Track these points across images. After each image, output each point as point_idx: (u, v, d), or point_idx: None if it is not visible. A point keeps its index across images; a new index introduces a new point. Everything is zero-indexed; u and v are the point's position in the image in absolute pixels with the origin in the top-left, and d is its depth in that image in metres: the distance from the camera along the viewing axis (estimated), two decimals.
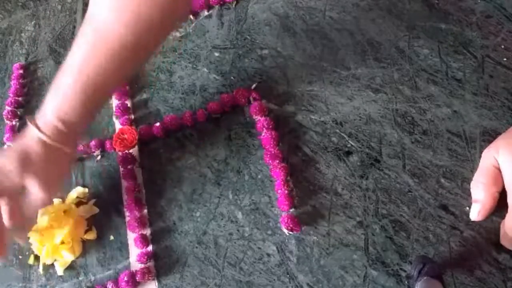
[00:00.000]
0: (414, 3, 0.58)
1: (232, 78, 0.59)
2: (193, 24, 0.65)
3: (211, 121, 0.56)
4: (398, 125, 0.51)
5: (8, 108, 0.63)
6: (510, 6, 0.55)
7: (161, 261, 0.50)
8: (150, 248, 0.51)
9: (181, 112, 0.57)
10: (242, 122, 0.55)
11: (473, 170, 0.46)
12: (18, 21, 0.74)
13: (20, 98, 0.65)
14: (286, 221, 0.47)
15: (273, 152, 0.51)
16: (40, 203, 0.46)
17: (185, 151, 0.55)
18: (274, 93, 0.56)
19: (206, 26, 0.64)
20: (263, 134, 0.53)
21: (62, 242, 0.52)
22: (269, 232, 0.48)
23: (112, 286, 0.49)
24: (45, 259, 0.52)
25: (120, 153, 0.56)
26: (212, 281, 0.47)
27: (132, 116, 0.59)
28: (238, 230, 0.49)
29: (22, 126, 0.62)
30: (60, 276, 0.51)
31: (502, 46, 0.53)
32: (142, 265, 0.49)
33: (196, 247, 0.49)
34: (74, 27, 0.71)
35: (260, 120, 0.54)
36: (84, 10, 0.71)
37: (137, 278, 0.48)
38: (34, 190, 0.45)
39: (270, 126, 0.53)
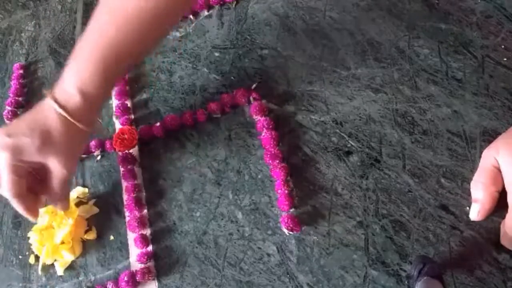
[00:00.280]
0: (414, 3, 0.58)
1: (232, 78, 0.59)
2: (193, 24, 0.65)
3: (211, 121, 0.56)
4: (398, 125, 0.51)
5: (8, 108, 0.63)
6: (510, 6, 0.55)
7: (161, 261, 0.50)
8: (150, 248, 0.51)
9: (181, 112, 0.57)
10: (242, 122, 0.55)
11: (473, 170, 0.46)
12: (18, 21, 0.74)
13: (20, 98, 0.65)
14: (286, 221, 0.47)
15: (273, 152, 0.51)
16: (62, 180, 0.46)
17: (185, 151, 0.55)
18: (274, 93, 0.56)
19: (206, 26, 0.64)
20: (263, 134, 0.53)
21: (62, 242, 0.52)
22: (269, 232, 0.48)
23: (112, 286, 0.49)
24: (45, 259, 0.52)
25: (120, 153, 0.56)
26: (212, 281, 0.47)
27: (132, 116, 0.59)
28: (238, 230, 0.49)
29: None
30: (60, 276, 0.51)
31: (502, 46, 0.53)
32: (142, 265, 0.49)
33: (196, 247, 0.49)
34: (74, 27, 0.71)
35: (260, 120, 0.54)
36: (84, 10, 0.72)
37: (137, 278, 0.48)
38: (55, 167, 0.46)
39: (270, 126, 0.53)
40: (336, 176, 0.49)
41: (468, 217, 0.44)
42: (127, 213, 0.53)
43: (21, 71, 0.67)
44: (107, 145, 0.57)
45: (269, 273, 0.46)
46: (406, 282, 0.43)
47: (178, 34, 0.64)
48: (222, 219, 0.50)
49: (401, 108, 0.51)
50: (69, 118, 0.45)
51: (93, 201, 0.55)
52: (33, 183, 0.47)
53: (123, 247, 0.52)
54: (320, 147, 0.51)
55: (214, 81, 0.59)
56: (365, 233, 0.46)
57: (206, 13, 0.65)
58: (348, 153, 0.50)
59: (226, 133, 0.55)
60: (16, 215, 0.56)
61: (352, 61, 0.56)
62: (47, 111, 0.46)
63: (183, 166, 0.54)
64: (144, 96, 0.61)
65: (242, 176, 0.52)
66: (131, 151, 0.56)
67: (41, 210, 0.54)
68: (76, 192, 0.55)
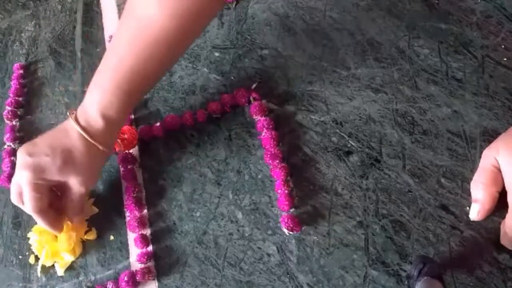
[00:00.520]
0: (414, 3, 0.58)
1: (232, 78, 0.59)
2: None
3: (211, 121, 0.56)
4: (398, 125, 0.51)
5: (8, 108, 0.63)
6: (510, 6, 0.55)
7: (161, 261, 0.50)
8: (150, 248, 0.51)
9: (181, 112, 0.57)
10: (242, 122, 0.55)
11: (473, 170, 0.46)
12: (18, 21, 0.74)
13: (20, 98, 0.65)
14: (286, 221, 0.47)
15: (273, 152, 0.51)
16: (80, 197, 0.48)
17: (185, 151, 0.55)
18: (274, 93, 0.56)
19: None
20: (263, 134, 0.53)
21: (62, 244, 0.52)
22: (269, 232, 0.48)
23: (112, 286, 0.49)
24: (44, 261, 0.52)
25: (120, 153, 0.56)
26: (212, 281, 0.47)
27: (132, 116, 0.59)
28: (238, 230, 0.49)
29: (22, 126, 0.62)
30: (60, 276, 0.51)
31: (502, 46, 0.53)
32: (142, 265, 0.49)
33: (196, 247, 0.49)
34: (74, 27, 0.71)
35: (260, 120, 0.54)
36: (84, 10, 0.72)
37: (137, 278, 0.48)
38: (75, 186, 0.47)
39: (270, 126, 0.53)
40: (336, 176, 0.49)
41: (468, 217, 0.44)
42: (127, 213, 0.53)
43: (21, 71, 0.67)
44: None
45: (269, 273, 0.46)
46: (406, 282, 0.43)
47: None
48: (222, 219, 0.50)
49: (401, 108, 0.51)
50: (90, 140, 0.47)
51: (92, 201, 0.55)
52: (54, 199, 0.49)
53: (123, 247, 0.52)
54: (320, 147, 0.51)
55: (214, 81, 0.59)
56: (365, 233, 0.46)
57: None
58: (348, 153, 0.50)
59: (226, 133, 0.55)
60: (16, 215, 0.56)
61: (352, 61, 0.56)
62: (69, 131, 0.47)
63: (183, 166, 0.54)
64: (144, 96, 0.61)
65: (242, 176, 0.52)
66: (131, 151, 0.56)
67: None
68: None
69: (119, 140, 0.56)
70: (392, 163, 0.49)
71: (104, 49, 0.66)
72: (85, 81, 0.64)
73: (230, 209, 0.51)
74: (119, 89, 0.47)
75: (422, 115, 0.51)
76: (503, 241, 0.42)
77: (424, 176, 0.47)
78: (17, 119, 0.63)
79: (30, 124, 0.63)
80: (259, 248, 0.48)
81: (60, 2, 0.74)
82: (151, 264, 0.50)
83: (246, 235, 0.49)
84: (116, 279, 0.49)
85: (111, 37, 0.67)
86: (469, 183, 0.45)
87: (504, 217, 0.42)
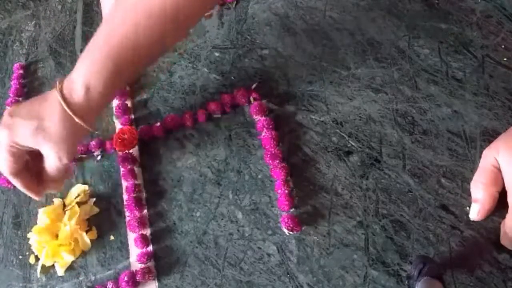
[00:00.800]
0: (414, 3, 0.58)
1: (232, 78, 0.59)
2: None
3: (211, 121, 0.56)
4: (398, 125, 0.51)
5: (8, 108, 0.63)
6: (510, 6, 0.55)
7: (161, 261, 0.50)
8: (150, 248, 0.51)
9: (181, 112, 0.57)
10: (242, 122, 0.55)
11: (473, 170, 0.46)
12: (18, 21, 0.74)
13: (20, 98, 0.65)
14: (286, 221, 0.47)
15: (273, 152, 0.51)
16: (56, 170, 0.47)
17: (185, 151, 0.55)
18: (274, 93, 0.56)
19: (206, 26, 0.64)
20: (263, 134, 0.53)
21: (61, 245, 0.52)
22: (269, 232, 0.48)
23: (112, 286, 0.49)
24: (44, 261, 0.52)
25: (120, 153, 0.56)
26: (212, 281, 0.47)
27: (132, 116, 0.59)
28: (238, 230, 0.49)
29: None
30: (60, 276, 0.51)
31: (502, 46, 0.53)
32: (142, 265, 0.49)
33: (196, 247, 0.49)
34: (74, 27, 0.71)
35: (260, 120, 0.54)
36: (84, 10, 0.72)
37: (137, 278, 0.48)
38: (49, 155, 0.46)
39: (270, 126, 0.53)
40: (336, 176, 0.49)
41: (468, 217, 0.44)
42: (127, 213, 0.53)
43: (21, 71, 0.67)
44: (107, 145, 0.57)
45: (269, 273, 0.46)
46: (406, 282, 0.43)
47: None
48: (222, 219, 0.50)
49: (401, 108, 0.51)
50: (67, 110, 0.46)
51: (93, 201, 0.55)
52: (34, 165, 0.48)
53: (123, 247, 0.52)
54: (320, 147, 0.51)
55: (214, 81, 0.59)
56: (365, 233, 0.46)
57: (206, 13, 0.65)
58: (348, 153, 0.50)
59: (226, 133, 0.55)
60: (17, 215, 0.56)
61: (352, 61, 0.56)
62: (51, 99, 0.46)
63: (183, 166, 0.54)
64: (144, 96, 0.61)
65: (242, 176, 0.52)
66: (131, 151, 0.56)
67: (40, 211, 0.54)
68: (77, 189, 0.55)
69: (119, 140, 0.56)
70: (392, 163, 0.49)
71: None
72: None
73: (230, 209, 0.51)
74: (109, 59, 0.46)
75: (422, 115, 0.51)
76: (503, 241, 0.42)
77: (424, 176, 0.47)
78: None
79: None
80: (259, 248, 0.48)
81: (60, 2, 0.74)
82: (151, 264, 0.50)
83: (246, 235, 0.49)
84: (116, 279, 0.49)
85: None
86: (469, 183, 0.45)
87: (504, 217, 0.42)
